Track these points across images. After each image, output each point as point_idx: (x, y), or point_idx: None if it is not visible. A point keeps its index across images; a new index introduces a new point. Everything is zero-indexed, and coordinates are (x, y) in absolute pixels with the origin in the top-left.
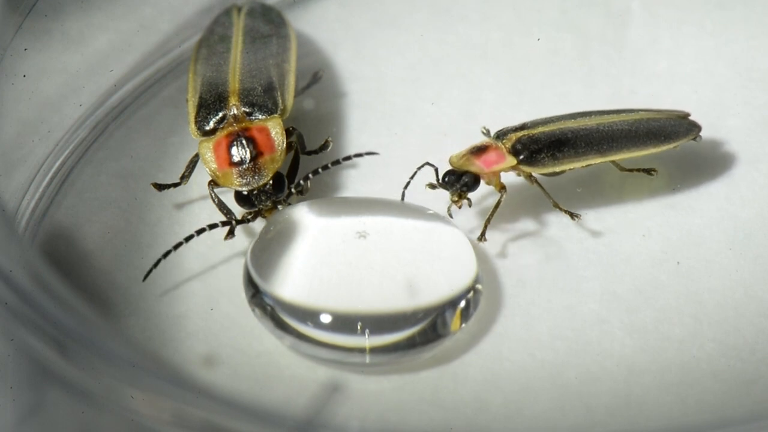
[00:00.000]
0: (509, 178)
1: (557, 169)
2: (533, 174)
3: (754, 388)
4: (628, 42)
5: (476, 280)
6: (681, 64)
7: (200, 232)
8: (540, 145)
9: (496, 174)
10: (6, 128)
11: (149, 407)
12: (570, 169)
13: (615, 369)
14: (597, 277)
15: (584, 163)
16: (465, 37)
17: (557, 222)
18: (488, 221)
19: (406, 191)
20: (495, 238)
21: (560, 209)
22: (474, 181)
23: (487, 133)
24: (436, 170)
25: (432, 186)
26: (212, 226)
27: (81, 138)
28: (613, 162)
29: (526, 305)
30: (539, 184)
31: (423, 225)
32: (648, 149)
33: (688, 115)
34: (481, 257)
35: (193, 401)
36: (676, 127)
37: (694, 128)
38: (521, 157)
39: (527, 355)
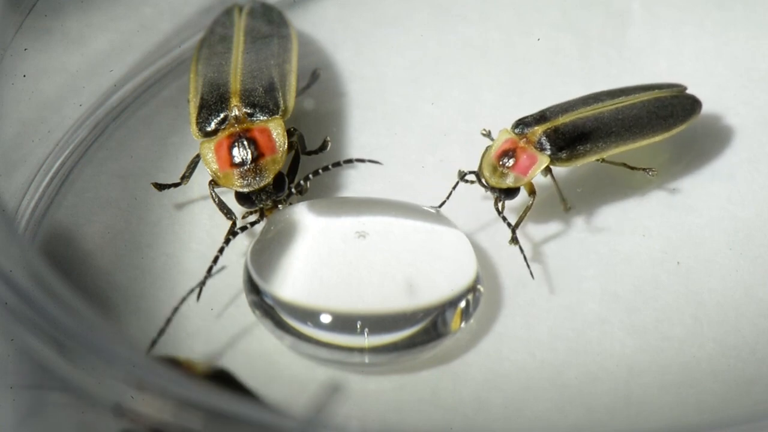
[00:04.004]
0: None
1: (580, 162)
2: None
3: (754, 388)
4: (628, 42)
5: (476, 280)
6: (681, 64)
7: (228, 241)
8: (567, 138)
9: (533, 177)
10: (6, 128)
11: (149, 407)
12: (595, 160)
13: (615, 369)
14: (597, 277)
15: (611, 152)
16: (465, 37)
17: (557, 222)
18: (517, 226)
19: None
20: (495, 238)
21: (562, 199)
22: (515, 189)
23: (488, 134)
24: (478, 177)
25: (462, 174)
26: (232, 234)
27: (81, 138)
28: (623, 165)
29: (526, 305)
30: (552, 176)
31: (423, 225)
32: (669, 130)
33: (686, 88)
34: (481, 257)
35: (193, 401)
36: (683, 104)
37: (696, 103)
38: (549, 152)
39: (527, 355)
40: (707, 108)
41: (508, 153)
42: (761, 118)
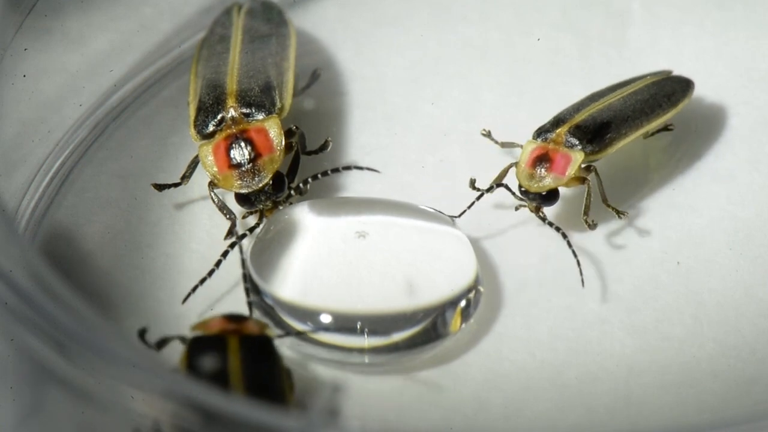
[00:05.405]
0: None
1: (610, 151)
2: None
3: (754, 388)
4: (628, 42)
5: (476, 280)
6: (681, 64)
7: (233, 245)
8: (591, 131)
9: (571, 176)
10: (6, 128)
11: (149, 407)
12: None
13: (615, 369)
14: (597, 277)
15: (634, 136)
16: (465, 37)
17: (558, 222)
18: (586, 211)
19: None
20: (495, 238)
21: (610, 207)
22: (554, 194)
23: (487, 134)
24: (509, 189)
25: (473, 184)
26: (228, 242)
27: (81, 138)
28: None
29: (526, 305)
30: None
31: (423, 225)
32: (676, 105)
33: (671, 71)
34: (481, 257)
35: (193, 401)
36: (678, 82)
37: (689, 83)
38: (580, 147)
39: (527, 355)
40: (707, 108)
41: (542, 158)
42: (761, 118)
